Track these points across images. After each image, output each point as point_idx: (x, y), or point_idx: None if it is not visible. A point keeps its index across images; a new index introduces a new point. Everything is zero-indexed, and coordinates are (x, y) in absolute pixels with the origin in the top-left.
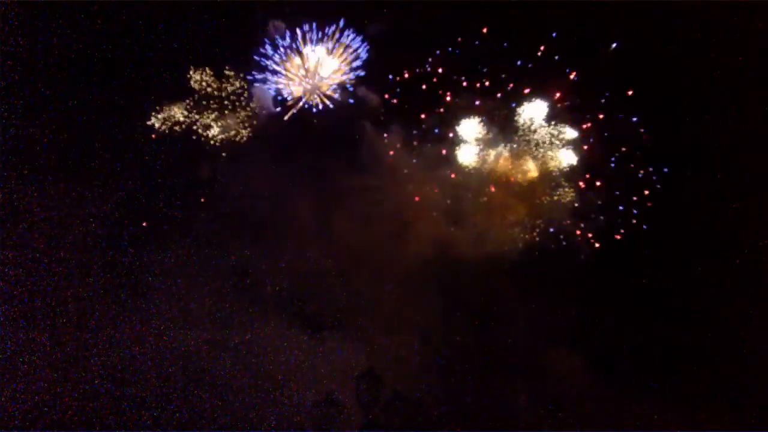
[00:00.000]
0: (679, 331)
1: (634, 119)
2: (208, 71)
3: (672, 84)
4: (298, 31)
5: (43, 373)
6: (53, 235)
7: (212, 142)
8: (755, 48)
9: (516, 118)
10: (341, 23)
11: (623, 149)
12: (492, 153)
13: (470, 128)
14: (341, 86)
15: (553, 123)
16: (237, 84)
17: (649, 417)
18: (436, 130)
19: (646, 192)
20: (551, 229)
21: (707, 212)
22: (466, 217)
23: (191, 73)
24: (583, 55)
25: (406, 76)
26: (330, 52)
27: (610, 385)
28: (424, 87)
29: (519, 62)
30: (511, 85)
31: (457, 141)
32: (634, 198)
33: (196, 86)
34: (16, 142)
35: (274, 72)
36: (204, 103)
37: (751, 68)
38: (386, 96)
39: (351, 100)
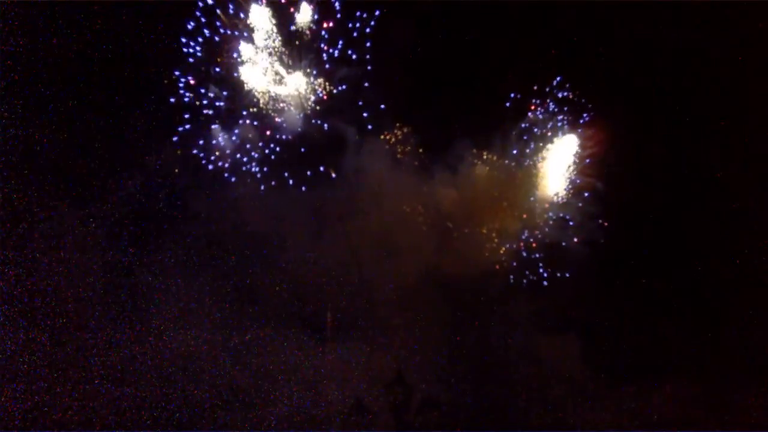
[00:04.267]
0: (679, 332)
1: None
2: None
3: (670, 82)
4: None
5: (43, 373)
6: (53, 235)
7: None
8: (756, 47)
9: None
10: None
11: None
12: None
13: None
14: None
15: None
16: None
17: (649, 417)
18: None
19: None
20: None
21: (706, 211)
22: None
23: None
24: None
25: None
26: None
27: (611, 384)
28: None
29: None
30: None
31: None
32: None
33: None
34: (16, 142)
35: None
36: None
37: (751, 67)
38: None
39: None
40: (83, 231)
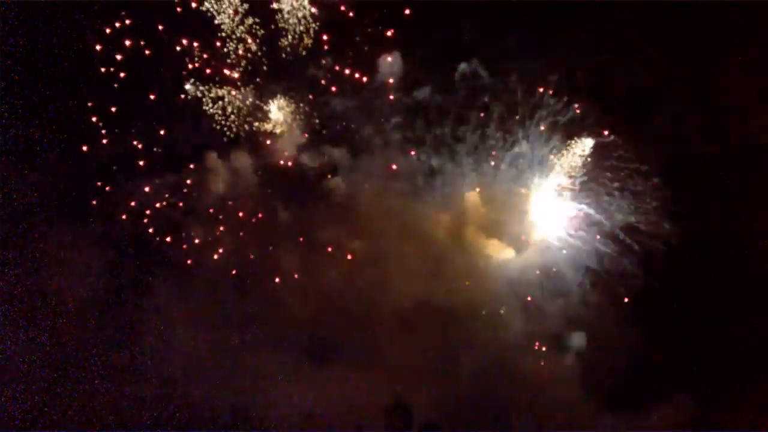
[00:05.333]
0: (678, 337)
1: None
2: None
3: (671, 84)
4: None
5: (43, 373)
6: (53, 235)
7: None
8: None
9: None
10: None
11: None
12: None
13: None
14: None
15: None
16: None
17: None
18: None
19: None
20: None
21: (706, 213)
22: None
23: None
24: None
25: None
26: None
27: (607, 405)
28: None
29: None
30: None
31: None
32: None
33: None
34: (16, 142)
35: None
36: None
37: (752, 68)
38: None
39: None
40: (83, 231)
